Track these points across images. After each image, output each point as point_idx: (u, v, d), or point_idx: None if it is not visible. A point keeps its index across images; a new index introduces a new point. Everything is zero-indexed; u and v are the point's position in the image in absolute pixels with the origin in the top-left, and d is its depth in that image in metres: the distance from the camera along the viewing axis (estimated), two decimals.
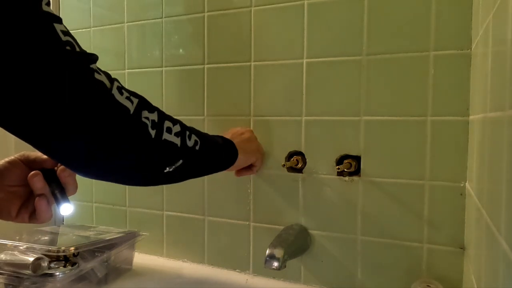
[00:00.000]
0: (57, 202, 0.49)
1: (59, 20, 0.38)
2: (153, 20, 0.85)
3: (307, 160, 0.72)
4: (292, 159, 0.72)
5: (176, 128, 0.51)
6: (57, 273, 0.67)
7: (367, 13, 0.66)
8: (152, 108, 0.48)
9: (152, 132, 0.46)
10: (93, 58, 0.41)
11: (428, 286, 0.60)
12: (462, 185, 0.61)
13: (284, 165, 0.71)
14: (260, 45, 0.75)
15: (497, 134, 0.37)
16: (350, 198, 0.69)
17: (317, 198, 0.71)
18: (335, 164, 0.69)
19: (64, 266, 0.70)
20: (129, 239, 0.80)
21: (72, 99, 0.38)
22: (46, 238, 0.77)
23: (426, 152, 0.63)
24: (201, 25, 0.80)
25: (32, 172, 0.48)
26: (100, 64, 0.42)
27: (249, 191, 0.77)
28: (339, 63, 0.68)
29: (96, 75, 0.40)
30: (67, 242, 0.74)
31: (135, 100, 0.44)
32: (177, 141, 0.50)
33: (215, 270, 0.81)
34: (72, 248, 0.69)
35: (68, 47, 0.38)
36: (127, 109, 0.43)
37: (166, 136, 0.48)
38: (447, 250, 0.63)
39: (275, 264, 0.60)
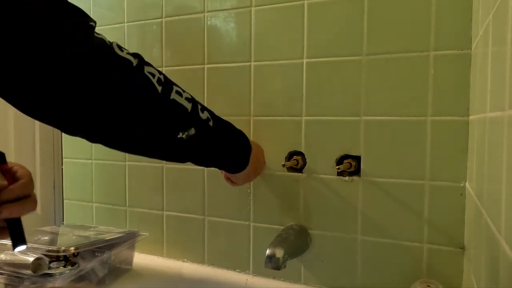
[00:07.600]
0: (12, 244, 0.47)
1: None
2: (153, 20, 0.85)
3: (307, 160, 0.72)
4: (292, 159, 0.72)
5: (187, 95, 0.53)
6: (57, 273, 0.68)
7: (367, 13, 0.66)
8: (157, 70, 0.49)
9: (159, 88, 0.47)
10: (92, 20, 0.44)
11: (428, 286, 0.60)
12: (462, 185, 0.61)
13: (284, 165, 0.71)
14: (260, 45, 0.75)
15: (497, 134, 0.37)
16: (350, 198, 0.69)
17: (317, 198, 0.71)
18: (335, 164, 0.69)
19: (64, 266, 0.70)
20: (129, 239, 0.80)
21: (73, 53, 0.39)
22: (46, 238, 0.77)
23: (426, 152, 0.63)
24: (201, 25, 0.80)
25: None
26: None
27: (249, 191, 0.77)
28: (339, 63, 0.68)
29: (95, 34, 0.43)
30: (67, 242, 0.74)
31: (135, 58, 0.47)
32: (188, 106, 0.51)
33: (215, 270, 0.81)
34: (72, 248, 0.69)
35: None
36: (130, 62, 0.45)
37: (175, 96, 0.49)
38: (447, 250, 0.63)
39: (275, 264, 0.60)
